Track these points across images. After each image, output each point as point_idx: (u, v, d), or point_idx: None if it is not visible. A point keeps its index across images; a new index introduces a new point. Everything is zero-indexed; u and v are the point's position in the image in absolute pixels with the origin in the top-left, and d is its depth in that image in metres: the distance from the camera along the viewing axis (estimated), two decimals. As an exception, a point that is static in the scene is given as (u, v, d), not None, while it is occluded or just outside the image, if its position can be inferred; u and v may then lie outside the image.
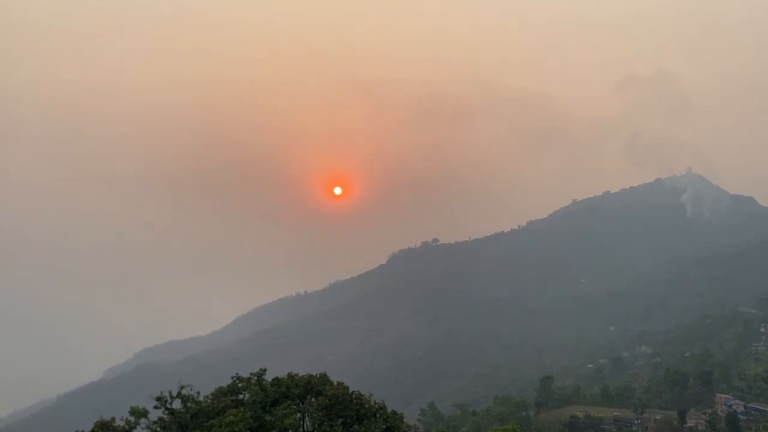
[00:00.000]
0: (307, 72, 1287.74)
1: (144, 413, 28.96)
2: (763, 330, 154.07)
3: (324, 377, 34.03)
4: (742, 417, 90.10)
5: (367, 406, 32.27)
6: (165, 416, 30.10)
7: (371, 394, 33.15)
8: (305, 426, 31.46)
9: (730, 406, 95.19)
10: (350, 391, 32.26)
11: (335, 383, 33.31)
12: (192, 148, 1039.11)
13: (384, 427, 31.98)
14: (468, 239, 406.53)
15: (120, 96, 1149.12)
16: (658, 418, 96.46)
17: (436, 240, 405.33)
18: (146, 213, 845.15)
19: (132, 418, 28.79)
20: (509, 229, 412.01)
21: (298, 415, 31.14)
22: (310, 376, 33.88)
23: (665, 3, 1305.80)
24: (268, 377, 33.75)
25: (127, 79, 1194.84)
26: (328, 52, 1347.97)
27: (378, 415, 32.48)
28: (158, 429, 29.68)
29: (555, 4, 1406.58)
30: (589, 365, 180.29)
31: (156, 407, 30.01)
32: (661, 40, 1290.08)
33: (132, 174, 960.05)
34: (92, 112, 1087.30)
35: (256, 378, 33.51)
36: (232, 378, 33.88)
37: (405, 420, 33.55)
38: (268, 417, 29.55)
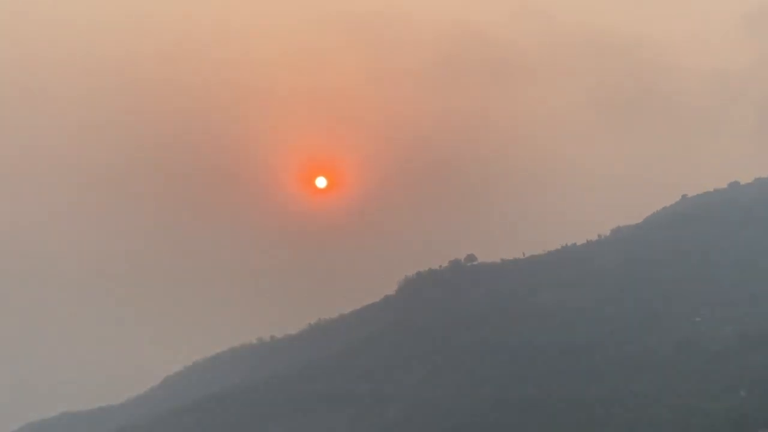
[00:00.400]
0: (274, 3, 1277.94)
1: None
2: None
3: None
4: None
5: None
6: None
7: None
8: None
9: None
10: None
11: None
12: (101, 114, 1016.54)
13: None
14: (521, 256, 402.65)
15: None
16: None
17: (471, 258, 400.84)
18: (29, 213, 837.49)
19: None
20: (584, 241, 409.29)
21: None
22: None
23: None
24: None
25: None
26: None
27: None
28: None
29: None
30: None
31: None
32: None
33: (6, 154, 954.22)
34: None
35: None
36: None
37: None
38: None
